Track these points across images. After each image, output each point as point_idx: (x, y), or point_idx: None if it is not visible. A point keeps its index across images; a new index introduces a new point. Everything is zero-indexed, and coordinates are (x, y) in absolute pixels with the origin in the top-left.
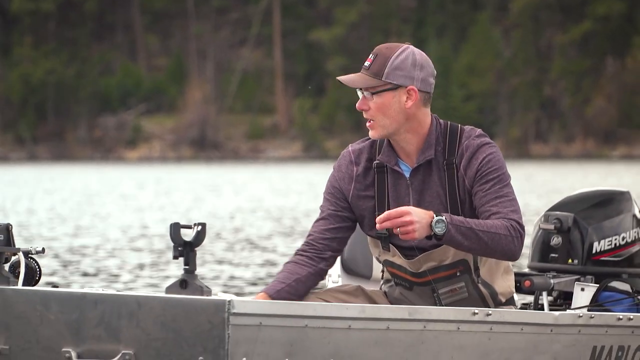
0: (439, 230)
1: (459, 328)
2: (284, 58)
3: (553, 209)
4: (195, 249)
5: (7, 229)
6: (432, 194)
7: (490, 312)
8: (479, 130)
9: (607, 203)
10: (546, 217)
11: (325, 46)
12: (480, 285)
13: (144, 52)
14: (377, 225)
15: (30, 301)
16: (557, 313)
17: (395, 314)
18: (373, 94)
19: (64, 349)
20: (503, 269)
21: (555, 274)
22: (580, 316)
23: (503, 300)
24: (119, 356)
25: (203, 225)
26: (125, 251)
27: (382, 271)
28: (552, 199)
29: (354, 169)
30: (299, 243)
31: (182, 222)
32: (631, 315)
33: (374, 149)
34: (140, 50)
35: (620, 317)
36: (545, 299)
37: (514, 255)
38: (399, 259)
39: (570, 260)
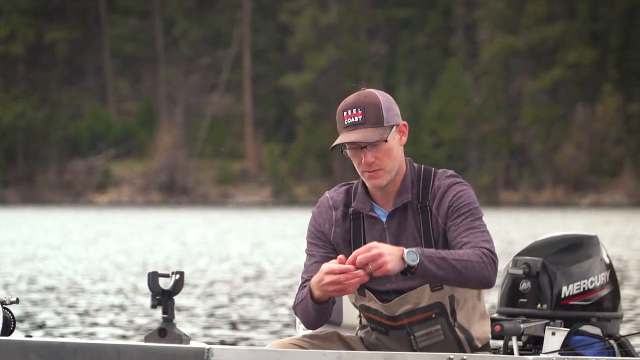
0: (411, 261)
1: None
2: (253, 103)
3: (521, 253)
4: (174, 297)
5: None
6: (408, 237)
7: (465, 357)
8: (450, 172)
9: (576, 247)
10: (515, 262)
11: (295, 91)
12: (456, 329)
13: (114, 96)
14: (349, 261)
15: (10, 352)
16: (530, 358)
17: (371, 359)
18: (374, 146)
19: None
20: (479, 314)
21: (524, 318)
22: None
23: (479, 345)
24: None
25: (181, 273)
26: (94, 294)
27: (359, 317)
28: (522, 244)
29: (333, 214)
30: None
31: (160, 271)
32: (603, 359)
33: (349, 195)
34: (110, 95)
35: None
36: (515, 344)
37: (488, 282)
38: (374, 304)
39: (539, 305)
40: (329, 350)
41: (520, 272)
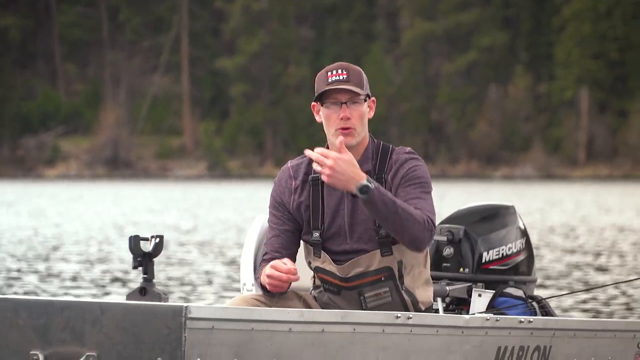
0: (362, 187)
1: (383, 330)
2: (191, 84)
3: (445, 222)
4: (154, 259)
5: None
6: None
7: (410, 315)
8: (408, 149)
9: (494, 216)
10: (439, 230)
11: (229, 73)
12: (403, 292)
13: (63, 78)
14: (307, 153)
15: (1, 308)
16: (467, 316)
17: (329, 317)
18: (354, 103)
19: (31, 352)
20: (424, 280)
21: (448, 281)
22: (487, 319)
23: (423, 308)
24: (82, 358)
25: (161, 237)
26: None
27: (313, 278)
28: (442, 214)
29: (292, 183)
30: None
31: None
32: (531, 318)
33: (310, 164)
34: (59, 77)
35: (522, 320)
36: (440, 305)
37: (422, 243)
38: (329, 265)
39: (461, 269)
40: (292, 309)
41: (444, 238)
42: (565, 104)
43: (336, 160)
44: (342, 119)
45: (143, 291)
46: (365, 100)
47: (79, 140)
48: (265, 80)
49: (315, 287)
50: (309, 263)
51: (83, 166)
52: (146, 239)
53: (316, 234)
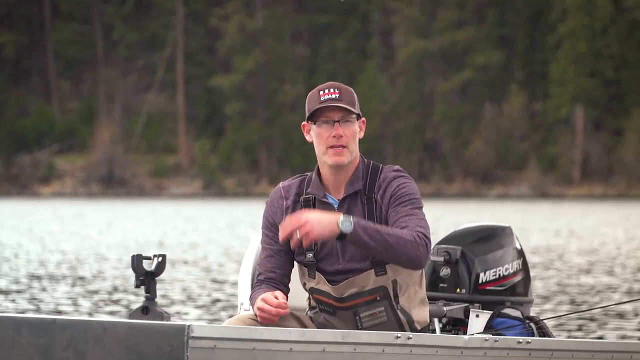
0: (344, 228)
1: (383, 350)
2: (186, 102)
3: (442, 242)
4: (156, 278)
5: None
6: None
7: (410, 335)
8: (396, 167)
9: (491, 237)
10: (435, 250)
11: (225, 91)
12: (399, 312)
13: (57, 95)
14: (280, 236)
15: (2, 327)
16: (466, 337)
17: (330, 337)
18: (347, 121)
19: None
20: (420, 300)
21: (445, 302)
22: (486, 339)
23: (419, 328)
24: None
25: (163, 256)
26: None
27: (308, 299)
28: (438, 233)
29: (284, 203)
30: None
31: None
32: (529, 339)
33: (302, 185)
34: (54, 94)
35: (520, 340)
36: (437, 325)
37: (419, 261)
38: (323, 286)
39: (458, 290)
40: (294, 329)
41: (441, 259)
42: (561, 122)
43: (305, 215)
44: (334, 136)
45: (145, 310)
46: (357, 120)
47: (73, 158)
48: (260, 98)
49: (311, 308)
50: (304, 284)
51: (78, 184)
52: (148, 258)
53: (310, 255)
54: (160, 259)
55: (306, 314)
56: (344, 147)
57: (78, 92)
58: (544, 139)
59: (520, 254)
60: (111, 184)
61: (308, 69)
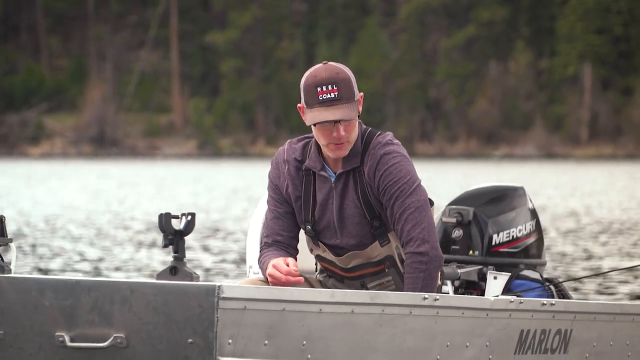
0: None
1: (411, 312)
2: (180, 59)
3: (453, 203)
4: (184, 237)
5: (0, 221)
6: (350, 200)
7: (437, 297)
8: (387, 138)
9: (504, 198)
10: (447, 211)
11: (220, 48)
12: None
13: (46, 53)
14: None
15: (26, 288)
16: (492, 298)
17: (359, 298)
18: (347, 120)
19: (57, 334)
20: None
21: (457, 264)
22: (511, 301)
23: None
24: (110, 339)
25: (192, 215)
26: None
27: (316, 263)
28: (442, 194)
29: (285, 168)
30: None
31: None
32: (552, 301)
33: (305, 151)
34: (43, 51)
35: (544, 302)
36: (450, 288)
37: (441, 266)
38: (329, 255)
39: (471, 252)
40: (324, 289)
41: (453, 220)
42: (568, 80)
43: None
44: (337, 137)
45: (174, 270)
46: (356, 107)
47: (63, 117)
48: (257, 55)
49: (320, 271)
50: (311, 250)
51: (68, 144)
52: (177, 217)
53: (308, 227)
54: (189, 217)
55: (315, 277)
56: (346, 142)
57: (68, 49)
58: (551, 97)
59: (534, 215)
60: (102, 144)
61: (306, 25)
